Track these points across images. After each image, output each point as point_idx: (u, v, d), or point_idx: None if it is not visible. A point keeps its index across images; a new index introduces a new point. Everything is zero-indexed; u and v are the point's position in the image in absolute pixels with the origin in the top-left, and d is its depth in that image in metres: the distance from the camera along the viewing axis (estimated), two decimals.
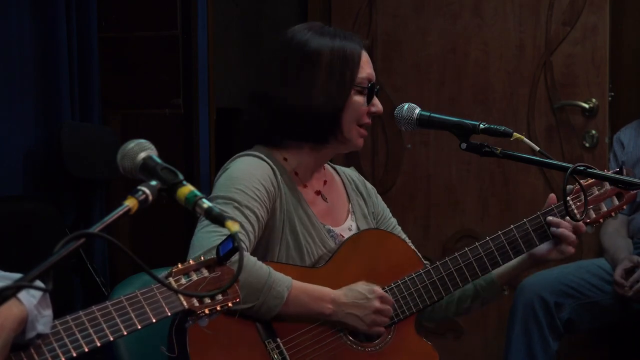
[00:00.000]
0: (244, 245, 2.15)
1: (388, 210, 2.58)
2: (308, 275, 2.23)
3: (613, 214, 2.49)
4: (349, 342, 2.25)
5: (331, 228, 2.39)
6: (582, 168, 2.23)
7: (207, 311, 1.82)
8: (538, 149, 2.26)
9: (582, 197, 2.42)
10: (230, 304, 1.86)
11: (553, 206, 2.44)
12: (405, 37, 4.40)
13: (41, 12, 3.82)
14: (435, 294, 2.35)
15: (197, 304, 1.82)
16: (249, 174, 2.27)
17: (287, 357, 2.16)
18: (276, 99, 2.34)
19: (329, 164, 2.53)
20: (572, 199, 2.45)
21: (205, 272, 1.84)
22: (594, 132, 4.18)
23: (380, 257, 2.36)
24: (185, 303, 1.80)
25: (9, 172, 3.69)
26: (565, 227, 2.40)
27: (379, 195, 2.59)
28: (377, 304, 2.23)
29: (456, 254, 2.39)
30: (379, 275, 2.32)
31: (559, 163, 2.27)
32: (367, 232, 2.42)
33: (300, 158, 2.39)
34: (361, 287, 2.25)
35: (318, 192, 2.43)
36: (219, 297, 1.84)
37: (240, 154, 2.36)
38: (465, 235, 4.29)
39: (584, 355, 4.21)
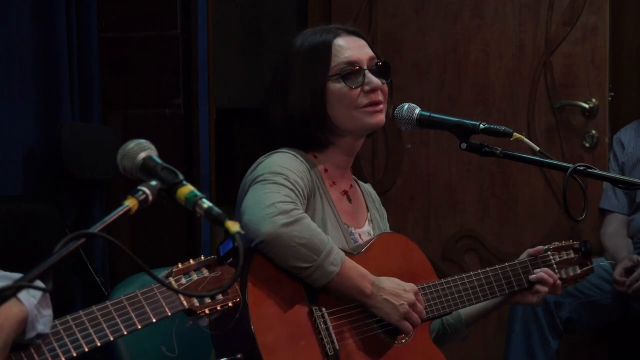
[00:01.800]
0: (300, 213, 2.14)
1: None
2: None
3: (577, 280, 2.66)
4: (379, 330, 2.27)
5: (353, 230, 2.40)
6: (582, 168, 2.23)
7: (207, 311, 1.83)
8: (538, 149, 2.26)
9: (568, 253, 2.63)
10: (230, 304, 1.86)
11: (538, 257, 2.57)
12: (405, 37, 4.40)
13: (41, 12, 3.82)
14: (447, 306, 2.39)
15: (197, 304, 1.82)
16: (291, 161, 2.29)
17: (330, 327, 2.18)
18: (266, 113, 2.38)
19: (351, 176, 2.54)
20: (552, 253, 2.60)
21: (206, 272, 1.84)
22: (594, 132, 4.18)
23: (402, 261, 2.39)
24: (185, 303, 1.80)
25: (9, 172, 3.69)
26: (547, 274, 2.52)
27: (387, 222, 2.61)
28: (413, 297, 2.25)
29: (471, 273, 2.47)
30: (399, 277, 2.32)
31: (559, 163, 2.27)
32: (395, 235, 2.46)
33: (327, 156, 2.40)
34: (400, 280, 2.27)
35: (344, 192, 2.43)
36: (219, 296, 1.85)
37: (275, 150, 2.36)
38: (465, 235, 4.28)
39: (584, 355, 4.21)
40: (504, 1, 4.27)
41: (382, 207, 2.60)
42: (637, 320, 3.81)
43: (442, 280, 2.40)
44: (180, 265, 1.82)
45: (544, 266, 2.55)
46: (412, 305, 2.24)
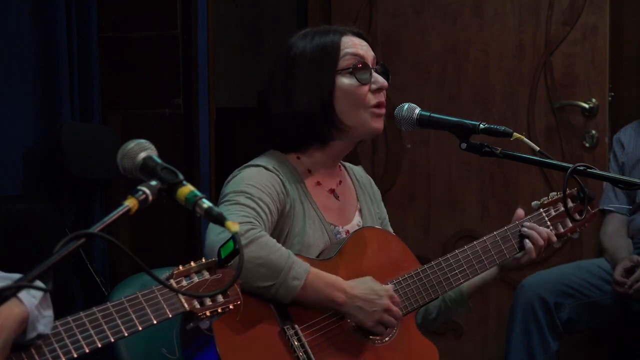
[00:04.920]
0: (257, 233, 2.14)
1: (387, 217, 2.60)
2: (316, 267, 2.23)
3: (578, 229, 2.58)
4: (358, 334, 2.26)
5: (340, 229, 2.39)
6: (582, 168, 2.23)
7: (208, 313, 1.82)
8: (538, 149, 2.26)
9: (558, 207, 2.55)
10: (231, 306, 1.86)
11: (529, 217, 2.54)
12: (405, 37, 4.40)
13: (41, 12, 3.82)
14: (432, 292, 2.38)
15: (198, 306, 1.82)
16: (260, 177, 2.29)
17: (306, 343, 2.17)
18: (267, 110, 2.37)
19: (341, 162, 2.53)
20: (545, 211, 2.56)
21: (207, 274, 1.84)
22: (594, 132, 4.18)
23: (381, 254, 2.38)
24: (186, 304, 1.80)
25: (9, 172, 3.69)
26: (536, 230, 2.48)
27: (382, 202, 2.59)
28: (387, 302, 2.24)
29: (448, 255, 2.43)
30: (379, 271, 2.33)
31: (559, 163, 2.27)
32: (369, 229, 2.43)
33: (313, 157, 2.40)
34: (374, 283, 2.26)
35: (332, 191, 2.43)
36: (220, 298, 1.84)
37: (248, 164, 2.37)
38: (465, 235, 4.28)
39: (584, 355, 4.21)
40: (504, 1, 4.27)
41: (375, 188, 2.58)
42: (637, 320, 3.81)
43: (426, 266, 2.38)
44: (181, 267, 1.82)
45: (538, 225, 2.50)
46: (386, 310, 2.24)
